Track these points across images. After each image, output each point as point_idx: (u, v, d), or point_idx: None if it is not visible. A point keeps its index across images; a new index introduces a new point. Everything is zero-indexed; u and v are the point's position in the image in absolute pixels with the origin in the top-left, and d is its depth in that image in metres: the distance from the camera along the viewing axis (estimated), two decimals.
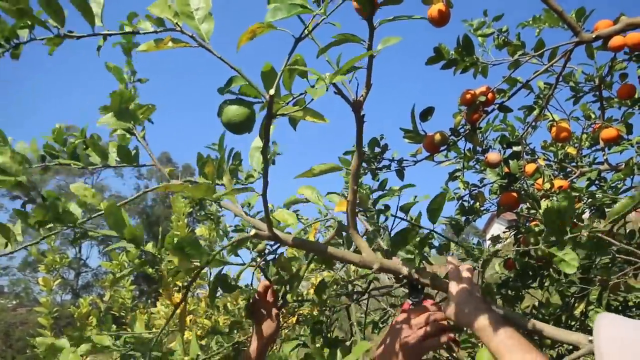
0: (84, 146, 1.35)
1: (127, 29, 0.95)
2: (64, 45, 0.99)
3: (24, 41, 0.98)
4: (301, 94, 0.98)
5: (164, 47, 0.88)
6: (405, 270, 1.11)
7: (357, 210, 1.15)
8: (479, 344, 1.42)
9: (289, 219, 1.23)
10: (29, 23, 0.93)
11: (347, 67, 0.84)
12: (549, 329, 1.01)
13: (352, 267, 2.57)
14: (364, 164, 1.87)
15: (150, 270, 3.52)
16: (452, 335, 1.08)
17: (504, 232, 2.16)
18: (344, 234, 1.47)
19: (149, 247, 3.67)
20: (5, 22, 0.95)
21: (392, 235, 1.36)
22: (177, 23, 0.87)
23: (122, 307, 2.87)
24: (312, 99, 0.90)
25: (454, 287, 1.05)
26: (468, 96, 1.61)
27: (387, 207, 1.45)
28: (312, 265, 1.56)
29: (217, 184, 1.09)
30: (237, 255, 1.23)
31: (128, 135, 1.38)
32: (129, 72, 1.31)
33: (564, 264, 1.06)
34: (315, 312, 2.40)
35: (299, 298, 2.34)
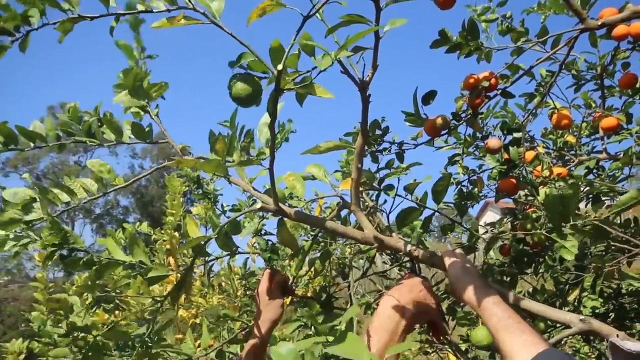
0: (99, 124, 1.37)
1: (140, 7, 0.96)
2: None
3: (35, 28, 0.97)
4: (308, 70, 0.99)
5: (176, 24, 0.90)
6: (404, 247, 1.13)
7: (361, 189, 1.16)
8: (476, 322, 1.43)
9: (297, 186, 1.25)
10: (42, 6, 0.93)
11: (352, 42, 0.85)
12: (540, 307, 1.03)
13: (348, 250, 2.59)
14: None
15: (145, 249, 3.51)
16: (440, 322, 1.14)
17: (499, 219, 2.17)
18: (343, 213, 1.48)
19: (144, 226, 3.65)
20: (14, 10, 0.94)
21: (392, 214, 1.37)
22: (189, 0, 0.89)
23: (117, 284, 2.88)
24: (319, 73, 0.91)
25: (450, 265, 1.08)
26: (471, 80, 1.60)
27: (391, 187, 1.46)
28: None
29: (228, 161, 1.11)
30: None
31: (142, 113, 1.40)
32: (138, 49, 1.30)
33: (564, 250, 1.08)
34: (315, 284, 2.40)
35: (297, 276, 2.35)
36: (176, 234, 3.00)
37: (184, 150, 1.39)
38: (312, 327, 1.39)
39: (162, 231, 3.33)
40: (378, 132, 1.79)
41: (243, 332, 1.84)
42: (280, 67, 0.84)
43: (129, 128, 1.34)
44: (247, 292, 2.73)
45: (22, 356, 2.14)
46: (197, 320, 2.93)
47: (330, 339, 0.73)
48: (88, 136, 1.32)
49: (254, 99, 0.93)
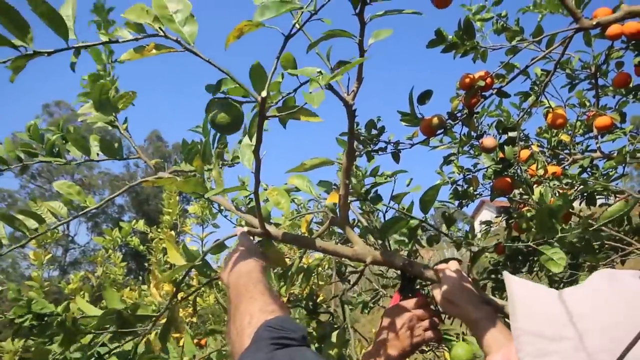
0: (63, 141, 1.30)
1: (103, 38, 0.89)
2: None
3: None
4: (289, 93, 0.95)
5: (147, 55, 0.83)
6: (397, 263, 1.12)
7: (349, 201, 1.14)
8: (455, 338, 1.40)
9: (282, 201, 1.21)
10: None
11: (344, 71, 0.81)
12: None
13: None
14: (359, 146, 1.88)
15: (141, 247, 3.50)
16: (438, 333, 1.09)
17: (495, 217, 2.18)
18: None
19: (140, 225, 3.63)
20: None
21: (383, 221, 1.35)
22: (160, 27, 0.82)
23: (114, 283, 2.89)
24: (306, 103, 0.85)
25: (444, 279, 1.05)
26: (467, 80, 1.61)
27: (379, 197, 1.44)
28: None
29: (206, 170, 1.08)
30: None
31: (110, 128, 1.34)
32: (106, 52, 1.24)
33: (552, 262, 1.07)
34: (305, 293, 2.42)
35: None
36: (172, 233, 3.00)
37: (157, 165, 1.35)
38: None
39: (159, 230, 3.33)
40: (374, 131, 1.79)
41: None
42: (264, 94, 0.80)
43: (97, 145, 1.27)
44: None
45: (18, 355, 2.13)
46: (194, 320, 2.93)
47: None
48: (51, 155, 1.26)
49: (234, 127, 0.90)
